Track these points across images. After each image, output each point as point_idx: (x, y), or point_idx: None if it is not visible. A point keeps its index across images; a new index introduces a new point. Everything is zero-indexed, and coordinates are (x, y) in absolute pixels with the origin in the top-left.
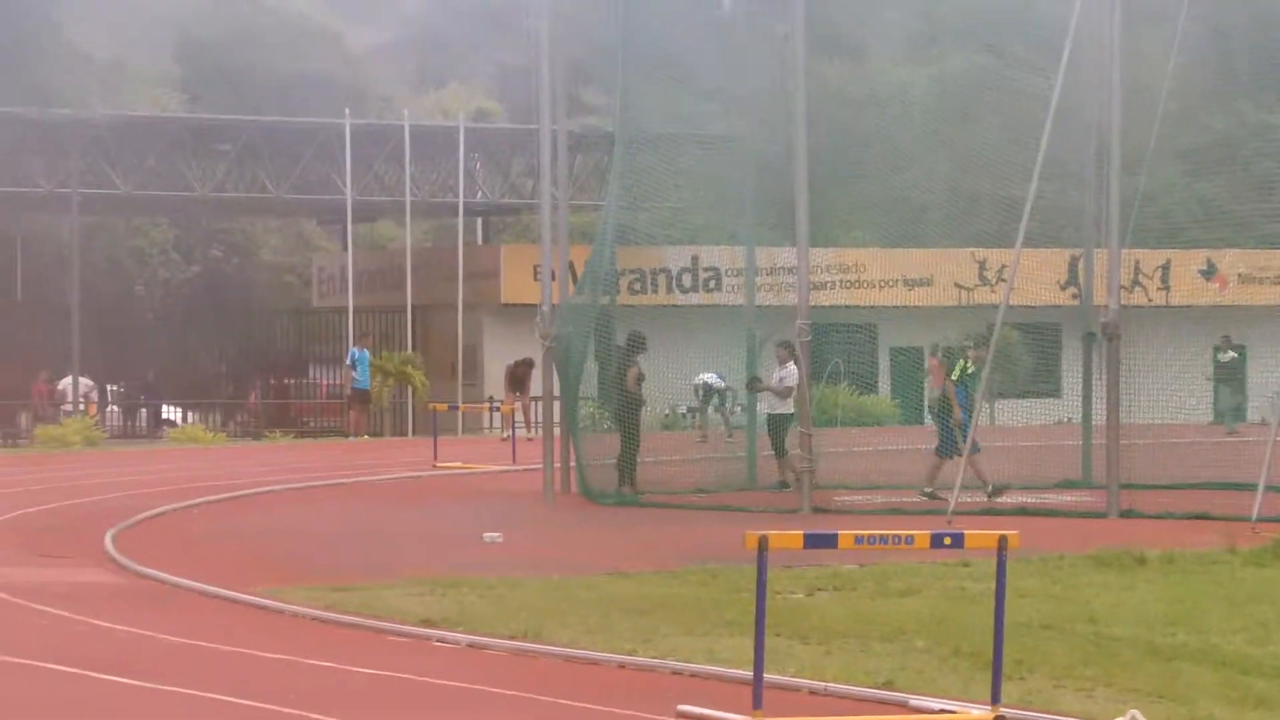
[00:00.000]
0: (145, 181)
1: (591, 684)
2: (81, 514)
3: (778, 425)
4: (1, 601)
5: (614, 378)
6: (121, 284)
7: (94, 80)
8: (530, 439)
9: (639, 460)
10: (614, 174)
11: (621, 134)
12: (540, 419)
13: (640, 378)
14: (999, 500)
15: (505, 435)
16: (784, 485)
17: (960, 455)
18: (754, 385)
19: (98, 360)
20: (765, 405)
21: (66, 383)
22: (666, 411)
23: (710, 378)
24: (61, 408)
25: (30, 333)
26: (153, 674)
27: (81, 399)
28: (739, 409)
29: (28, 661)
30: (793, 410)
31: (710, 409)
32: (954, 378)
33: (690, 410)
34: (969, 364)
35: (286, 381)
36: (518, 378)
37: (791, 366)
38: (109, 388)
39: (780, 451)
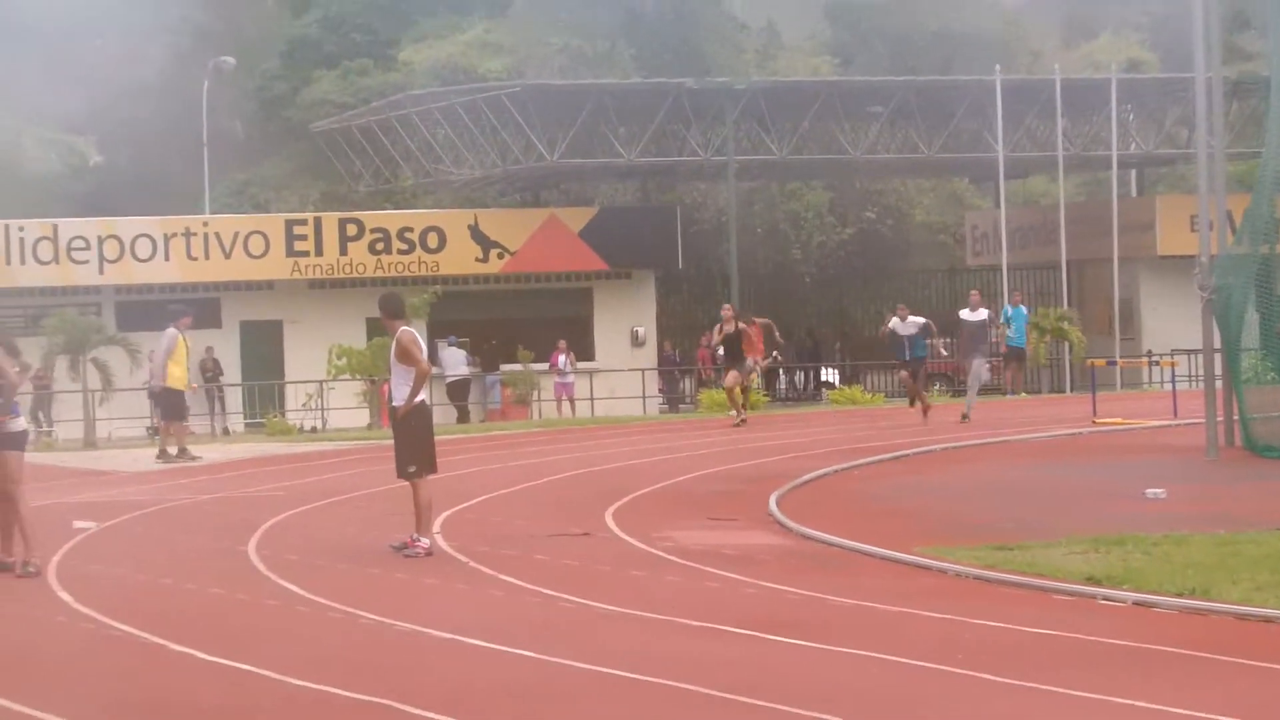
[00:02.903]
0: (799, 146)
1: (1266, 643)
2: (745, 476)
3: None
4: (674, 565)
5: None
6: (778, 248)
7: (751, 48)
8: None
9: None
10: (1271, 120)
11: (1278, 79)
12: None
13: None
14: None
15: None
16: None
17: None
18: None
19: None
20: None
21: None
22: None
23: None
24: None
25: (691, 300)
26: (823, 635)
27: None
28: None
29: (702, 624)
30: None
31: None
32: None
33: None
34: None
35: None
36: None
37: None
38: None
39: None
